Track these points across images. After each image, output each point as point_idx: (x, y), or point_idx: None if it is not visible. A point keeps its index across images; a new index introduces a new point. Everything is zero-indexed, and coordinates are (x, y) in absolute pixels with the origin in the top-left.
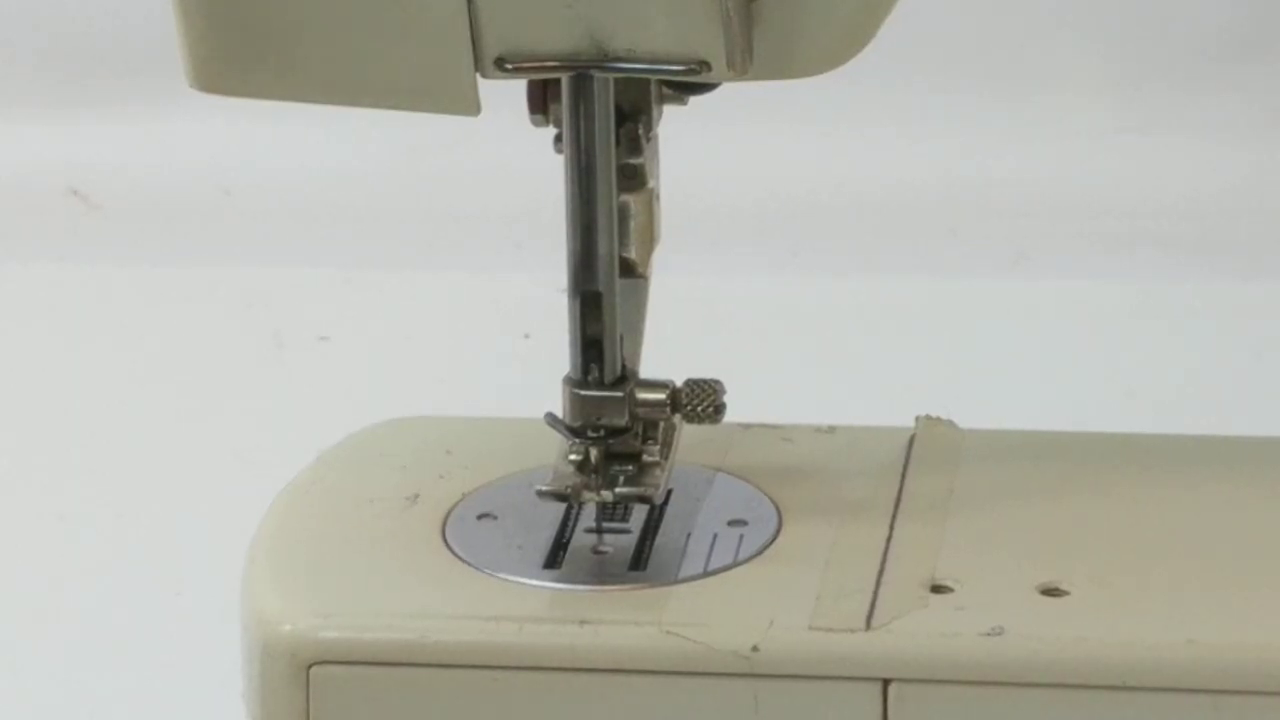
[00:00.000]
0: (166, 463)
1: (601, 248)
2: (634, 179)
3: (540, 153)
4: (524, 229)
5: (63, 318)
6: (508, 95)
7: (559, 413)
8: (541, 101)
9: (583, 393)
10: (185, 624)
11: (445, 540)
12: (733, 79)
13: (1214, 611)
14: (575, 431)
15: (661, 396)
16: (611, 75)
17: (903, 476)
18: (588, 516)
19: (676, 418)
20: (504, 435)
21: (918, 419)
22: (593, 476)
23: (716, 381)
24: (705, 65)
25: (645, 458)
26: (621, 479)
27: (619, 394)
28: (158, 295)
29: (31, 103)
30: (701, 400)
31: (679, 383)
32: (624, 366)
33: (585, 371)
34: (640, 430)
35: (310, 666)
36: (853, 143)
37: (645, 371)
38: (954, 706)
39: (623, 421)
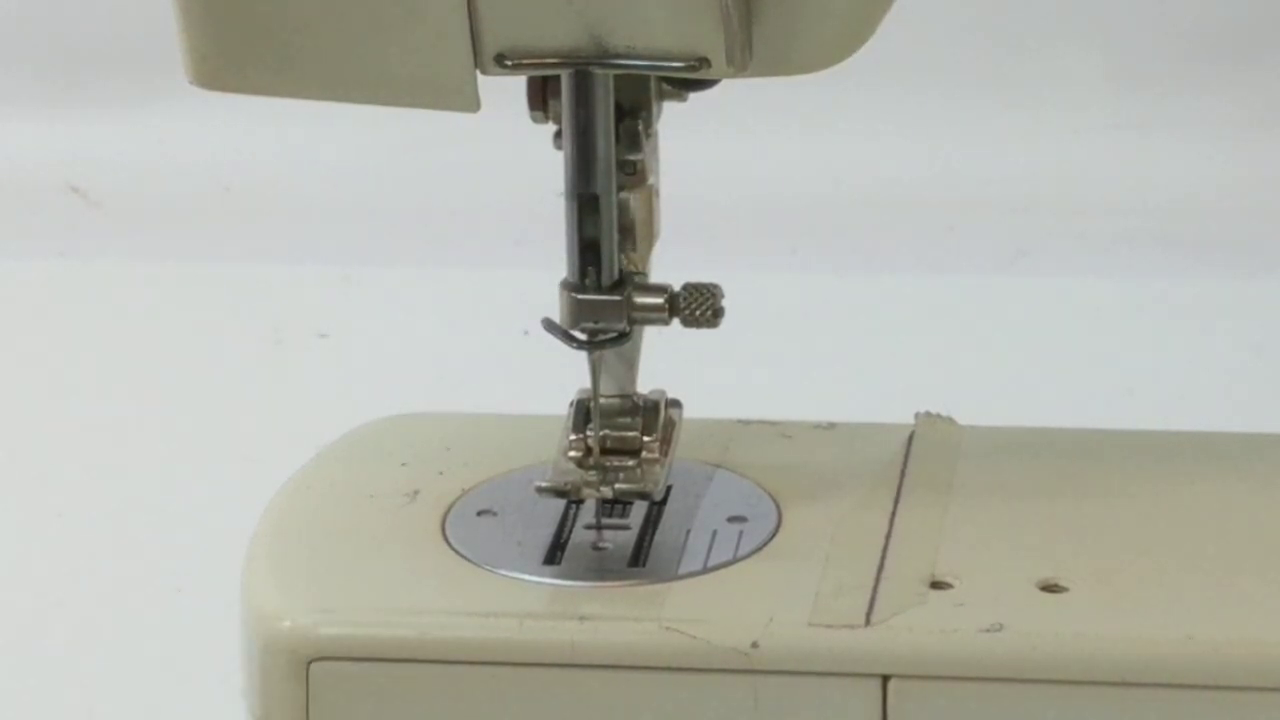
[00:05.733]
0: (166, 459)
1: (599, 150)
2: (634, 175)
3: (540, 149)
4: (523, 226)
5: (62, 314)
6: (507, 92)
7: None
8: (541, 98)
9: (580, 296)
10: (185, 621)
11: (445, 536)
12: (732, 75)
13: (1213, 607)
14: (573, 337)
15: (659, 300)
16: (611, 71)
17: (902, 473)
18: (587, 513)
19: (675, 414)
20: (503, 432)
21: (917, 415)
22: (592, 472)
23: (715, 285)
24: (705, 62)
25: (645, 454)
26: (621, 475)
27: (617, 297)
28: (157, 292)
29: (31, 100)
30: (699, 304)
31: (676, 287)
32: (621, 271)
33: (583, 275)
34: (640, 425)
35: (310, 663)
36: (852, 140)
37: (643, 377)
38: (953, 703)
39: (621, 325)
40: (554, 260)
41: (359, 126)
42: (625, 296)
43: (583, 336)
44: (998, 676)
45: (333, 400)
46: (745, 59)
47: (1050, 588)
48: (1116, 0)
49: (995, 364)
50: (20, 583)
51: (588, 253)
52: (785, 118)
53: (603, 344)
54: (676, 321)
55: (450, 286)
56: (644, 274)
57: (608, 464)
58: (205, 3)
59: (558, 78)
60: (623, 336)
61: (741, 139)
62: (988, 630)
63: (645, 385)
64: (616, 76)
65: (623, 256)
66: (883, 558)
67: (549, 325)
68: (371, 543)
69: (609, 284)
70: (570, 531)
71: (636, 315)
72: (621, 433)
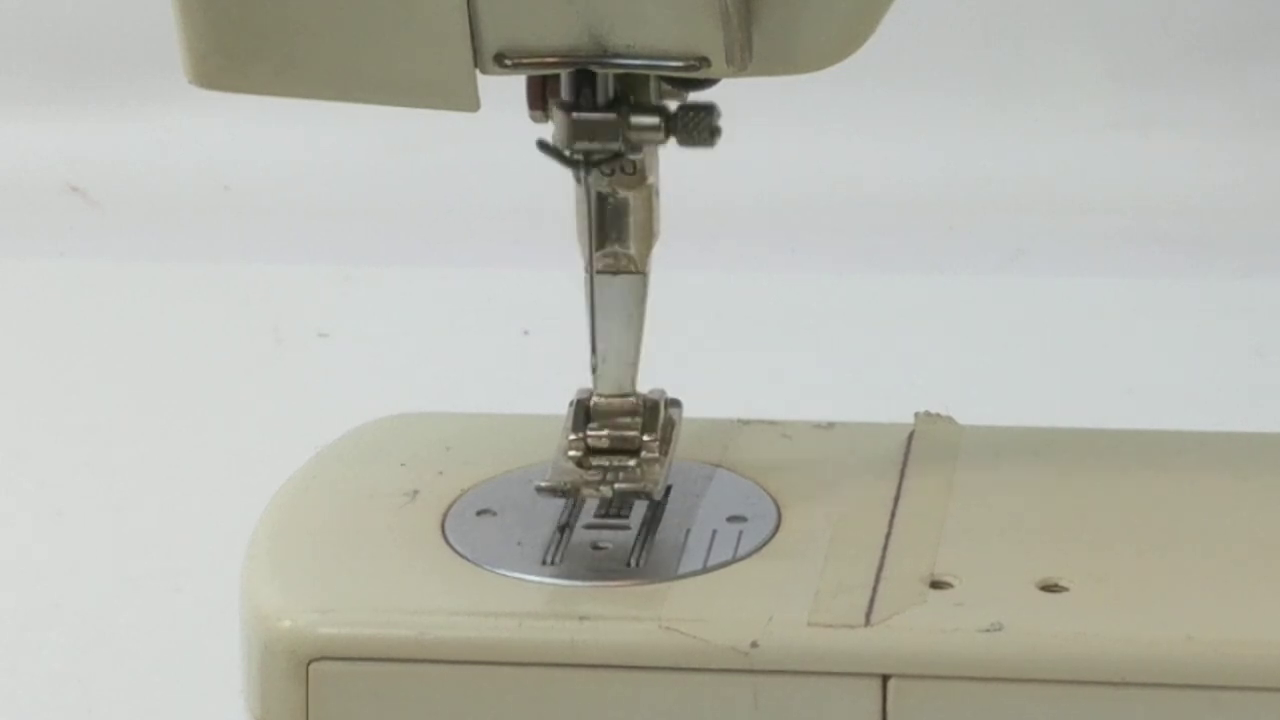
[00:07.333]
0: (166, 459)
1: None
2: (633, 175)
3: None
4: (523, 225)
5: (62, 314)
6: (507, 92)
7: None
8: (541, 98)
9: (576, 115)
10: (185, 620)
11: (445, 536)
12: (732, 75)
13: (1213, 607)
14: (568, 157)
15: (655, 120)
16: (611, 71)
17: (902, 473)
18: (587, 512)
19: (675, 413)
20: (503, 431)
21: (917, 415)
22: (592, 472)
23: (712, 104)
24: (704, 61)
25: (644, 453)
26: (621, 475)
27: (612, 115)
28: (157, 291)
29: (31, 100)
30: (696, 122)
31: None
32: (617, 91)
33: (577, 93)
34: (640, 424)
35: (310, 663)
36: (852, 139)
37: (643, 375)
38: (953, 702)
39: (616, 145)
40: (554, 260)
41: (359, 126)
42: (621, 114)
43: (579, 158)
44: (997, 676)
45: (332, 400)
46: (745, 59)
47: (1050, 587)
48: (1116, 0)
49: (995, 364)
50: (20, 582)
51: (583, 71)
52: (785, 117)
53: (598, 163)
54: (671, 331)
55: (450, 286)
56: (644, 272)
57: (607, 464)
58: (205, 3)
59: (558, 78)
60: (618, 156)
61: (741, 138)
62: (987, 630)
63: (645, 385)
64: (616, 76)
65: (623, 252)
66: (883, 557)
67: (543, 146)
68: (371, 542)
69: (604, 102)
70: (570, 531)
71: (632, 135)
72: (621, 432)
